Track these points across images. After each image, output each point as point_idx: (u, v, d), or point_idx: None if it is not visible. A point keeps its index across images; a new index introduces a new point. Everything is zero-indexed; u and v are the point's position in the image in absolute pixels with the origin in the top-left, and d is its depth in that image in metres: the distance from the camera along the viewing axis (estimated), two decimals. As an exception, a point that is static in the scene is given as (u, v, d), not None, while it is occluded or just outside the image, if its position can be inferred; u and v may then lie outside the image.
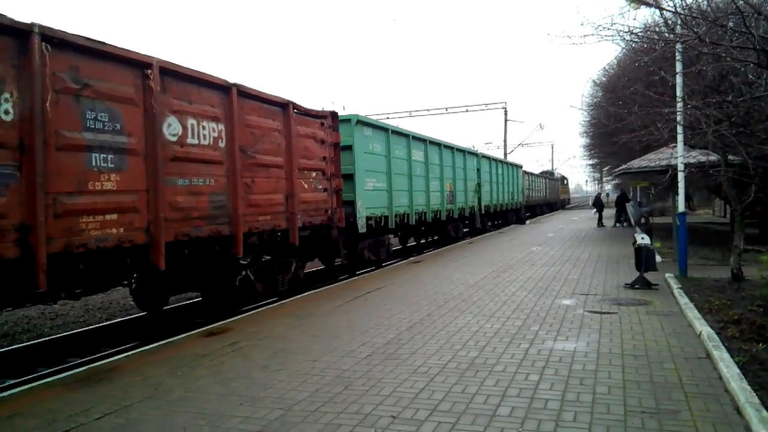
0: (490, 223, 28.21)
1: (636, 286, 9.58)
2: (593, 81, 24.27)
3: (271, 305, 9.52)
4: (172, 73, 7.40)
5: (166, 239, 7.10)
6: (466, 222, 23.31)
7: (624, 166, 19.32)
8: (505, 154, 44.92)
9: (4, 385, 6.76)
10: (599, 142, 33.23)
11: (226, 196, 8.25)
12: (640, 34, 9.03)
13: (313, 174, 10.73)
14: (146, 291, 9.60)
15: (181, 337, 7.42)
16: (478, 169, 23.49)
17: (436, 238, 21.00)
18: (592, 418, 4.20)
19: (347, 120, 12.63)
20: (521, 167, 34.88)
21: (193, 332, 7.64)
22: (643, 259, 9.63)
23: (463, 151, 21.63)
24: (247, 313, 8.84)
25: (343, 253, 12.59)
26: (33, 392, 5.39)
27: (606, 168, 46.28)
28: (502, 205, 28.27)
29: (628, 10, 8.20)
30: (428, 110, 45.83)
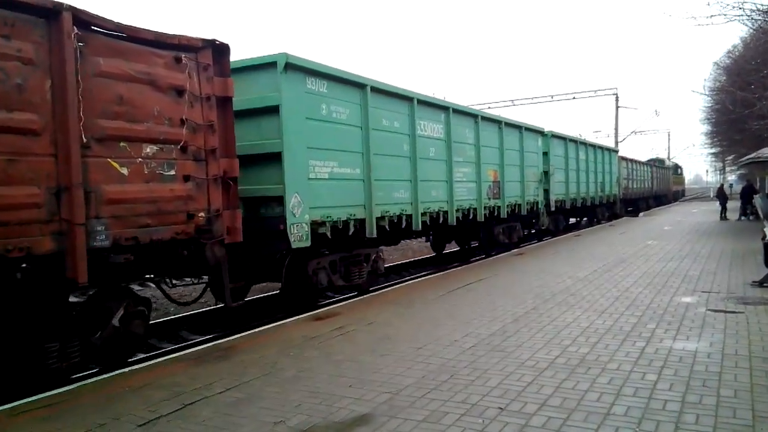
0: (573, 220, 24.32)
1: (765, 284, 8.84)
2: (716, 64, 22.55)
3: (374, 293, 9.73)
4: None
5: None
6: (534, 221, 18.67)
7: (752, 155, 17.78)
8: (616, 142, 42.64)
9: (137, 358, 7.41)
10: (723, 129, 30.83)
11: None
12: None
13: (150, 149, 6.09)
14: None
15: (291, 320, 7.78)
16: (545, 153, 18.38)
17: (475, 244, 16.37)
18: (716, 422, 3.93)
19: (269, 64, 7.89)
20: (616, 152, 29.24)
21: (301, 316, 7.98)
22: (775, 255, 8.89)
23: (518, 126, 16.08)
24: (353, 300, 9.07)
25: (229, 289, 7.20)
26: (160, 366, 5.85)
27: (730, 157, 42.86)
28: (586, 199, 22.74)
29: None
30: (531, 99, 44.42)
